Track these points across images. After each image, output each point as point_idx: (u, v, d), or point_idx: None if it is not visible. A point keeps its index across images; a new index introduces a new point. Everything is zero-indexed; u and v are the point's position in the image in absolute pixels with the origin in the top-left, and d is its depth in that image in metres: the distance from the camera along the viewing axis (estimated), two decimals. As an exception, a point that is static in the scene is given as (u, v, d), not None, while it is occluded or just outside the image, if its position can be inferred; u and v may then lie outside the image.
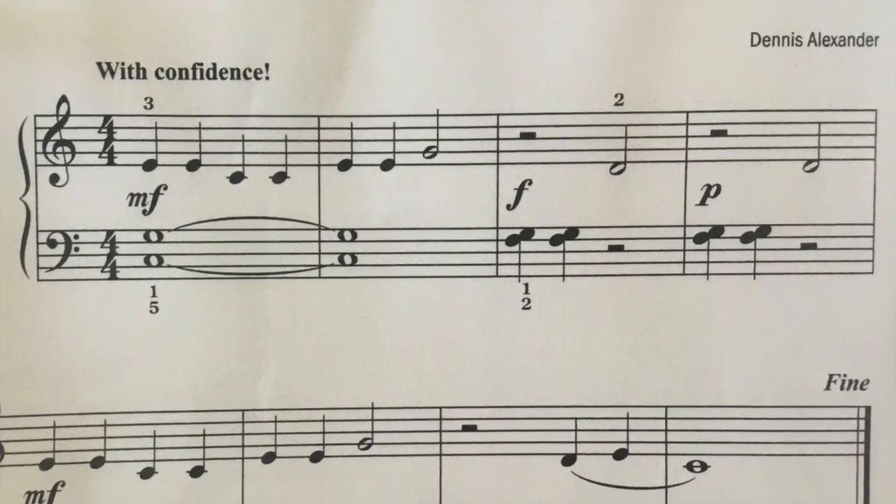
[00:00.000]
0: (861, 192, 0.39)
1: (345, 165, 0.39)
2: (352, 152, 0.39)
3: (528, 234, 0.39)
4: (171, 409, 0.39)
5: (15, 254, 0.39)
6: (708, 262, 0.39)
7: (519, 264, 0.39)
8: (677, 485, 0.40)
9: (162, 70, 0.39)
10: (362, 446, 0.40)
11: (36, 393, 0.39)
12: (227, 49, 0.39)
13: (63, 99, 0.38)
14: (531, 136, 0.39)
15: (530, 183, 0.39)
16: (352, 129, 0.39)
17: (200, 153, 0.39)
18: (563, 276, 0.39)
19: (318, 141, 0.39)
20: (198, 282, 0.39)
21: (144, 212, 0.39)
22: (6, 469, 0.39)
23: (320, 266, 0.39)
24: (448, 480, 0.40)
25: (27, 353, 0.39)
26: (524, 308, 0.40)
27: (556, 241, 0.39)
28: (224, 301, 0.39)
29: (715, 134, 0.39)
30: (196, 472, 0.39)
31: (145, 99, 0.39)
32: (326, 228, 0.39)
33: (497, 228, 0.39)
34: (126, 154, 0.39)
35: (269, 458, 0.40)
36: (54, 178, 0.39)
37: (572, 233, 0.39)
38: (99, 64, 0.38)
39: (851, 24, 0.39)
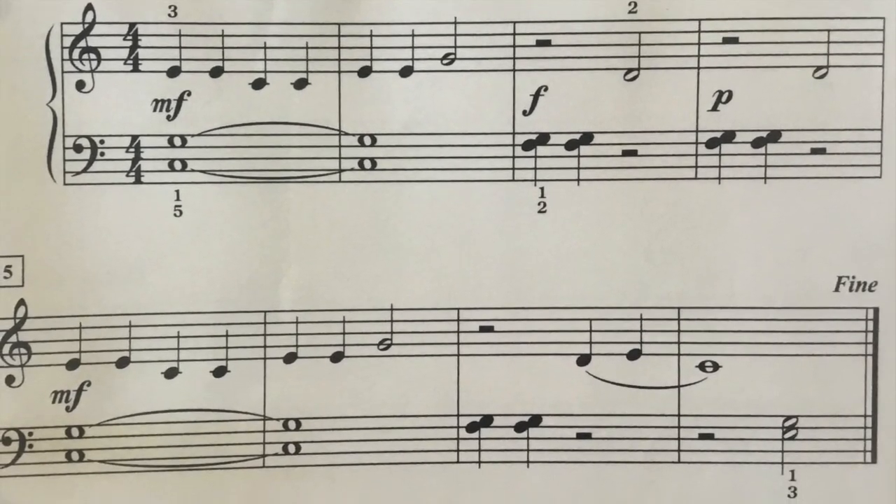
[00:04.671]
0: (869, 98, 0.40)
1: (364, 72, 0.40)
2: (371, 59, 0.40)
3: (543, 139, 0.40)
4: (195, 311, 0.40)
5: (42, 159, 0.39)
6: (720, 166, 0.40)
7: (535, 168, 0.40)
8: (689, 384, 0.41)
9: (186, -22, 0.40)
10: (381, 347, 0.41)
11: (63, 295, 0.40)
12: (249, -42, 0.40)
13: (89, 7, 0.39)
14: (547, 43, 0.40)
15: (546, 89, 0.40)
16: (371, 36, 0.40)
17: (223, 60, 0.40)
18: (578, 180, 0.40)
19: (339, 48, 0.40)
20: (221, 186, 0.40)
21: (168, 117, 0.40)
22: (34, 369, 0.40)
23: (340, 170, 0.40)
24: (465, 380, 0.41)
25: (54, 256, 0.40)
26: (540, 212, 0.40)
27: (571, 146, 0.40)
28: (246, 204, 0.40)
29: (726, 41, 0.40)
30: (219, 371, 0.40)
31: (169, 7, 0.40)
32: (346, 133, 0.40)
33: (513, 133, 0.40)
34: (150, 61, 0.40)
35: (290, 358, 0.40)
36: (80, 85, 0.40)
37: (587, 138, 0.40)
38: (124, -28, 0.39)
39: (860, -67, 0.40)
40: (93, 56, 0.40)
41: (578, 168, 0.40)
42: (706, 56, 0.40)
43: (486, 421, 0.41)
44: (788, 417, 0.41)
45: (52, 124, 0.39)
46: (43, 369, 0.40)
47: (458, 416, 0.41)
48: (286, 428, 0.40)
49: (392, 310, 0.40)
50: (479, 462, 0.41)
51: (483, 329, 0.41)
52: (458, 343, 0.41)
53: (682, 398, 0.41)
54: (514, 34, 0.40)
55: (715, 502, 0.41)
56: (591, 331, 0.41)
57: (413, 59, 0.40)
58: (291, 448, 0.41)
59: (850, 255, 0.40)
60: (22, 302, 0.40)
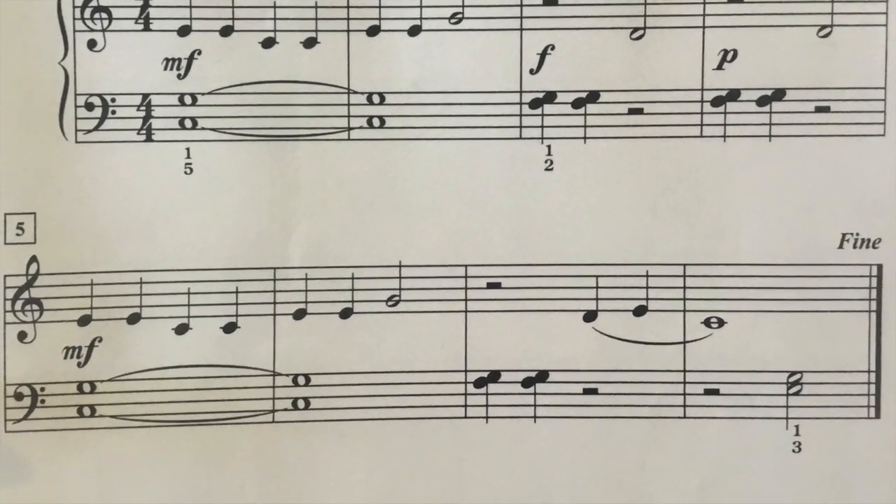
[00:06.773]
0: (873, 57, 0.40)
1: (373, 31, 0.40)
2: (380, 18, 0.40)
3: (550, 97, 0.41)
4: (205, 267, 0.41)
5: (54, 117, 0.40)
6: (725, 124, 0.41)
7: (542, 127, 0.41)
8: (695, 340, 0.41)
9: (196, -62, 0.40)
10: (390, 303, 0.41)
11: (74, 251, 0.40)
12: (259, -83, 0.40)
13: (100, -34, 0.40)
14: (553, 2, 0.40)
15: (553, 48, 0.40)
16: (380, -6, 0.40)
17: (233, 19, 0.40)
18: (585, 138, 0.41)
19: (347, 7, 0.40)
20: (231, 144, 0.40)
21: (179, 76, 0.40)
22: (45, 325, 0.40)
23: (349, 128, 0.41)
24: (473, 336, 0.41)
25: (66, 213, 0.40)
26: (547, 169, 0.41)
27: (577, 104, 0.41)
28: (256, 162, 0.41)
29: (732, 0, 0.40)
30: (229, 327, 0.41)
31: (180, -34, 0.40)
32: (355, 92, 0.40)
33: (521, 92, 0.41)
34: (161, 20, 0.40)
35: (299, 314, 0.41)
36: (92, 44, 0.40)
37: (593, 96, 0.41)
38: (135, -68, 0.40)
39: None
40: (104, 15, 0.40)
41: (585, 126, 0.41)
42: (711, 15, 0.40)
43: (494, 377, 0.41)
44: (793, 373, 0.41)
45: (63, 83, 0.40)
46: (55, 325, 0.40)
47: (465, 371, 0.41)
48: (295, 383, 0.41)
49: (400, 266, 0.41)
50: (487, 417, 0.41)
51: (490, 286, 0.41)
52: (466, 299, 0.41)
53: (688, 354, 0.41)
54: (522, -7, 0.40)
55: (720, 457, 0.41)
56: (597, 287, 0.41)
57: (421, 19, 0.40)
58: (301, 403, 0.41)
59: (854, 213, 0.41)
60: (34, 259, 0.40)
